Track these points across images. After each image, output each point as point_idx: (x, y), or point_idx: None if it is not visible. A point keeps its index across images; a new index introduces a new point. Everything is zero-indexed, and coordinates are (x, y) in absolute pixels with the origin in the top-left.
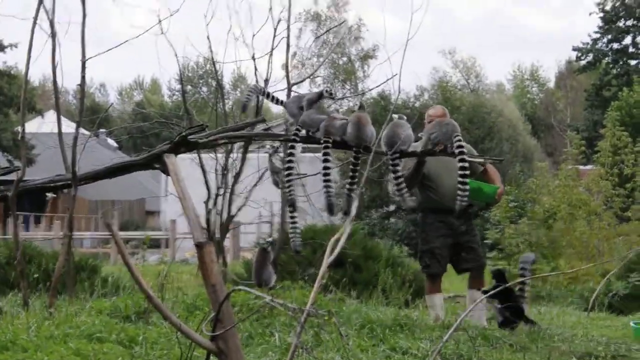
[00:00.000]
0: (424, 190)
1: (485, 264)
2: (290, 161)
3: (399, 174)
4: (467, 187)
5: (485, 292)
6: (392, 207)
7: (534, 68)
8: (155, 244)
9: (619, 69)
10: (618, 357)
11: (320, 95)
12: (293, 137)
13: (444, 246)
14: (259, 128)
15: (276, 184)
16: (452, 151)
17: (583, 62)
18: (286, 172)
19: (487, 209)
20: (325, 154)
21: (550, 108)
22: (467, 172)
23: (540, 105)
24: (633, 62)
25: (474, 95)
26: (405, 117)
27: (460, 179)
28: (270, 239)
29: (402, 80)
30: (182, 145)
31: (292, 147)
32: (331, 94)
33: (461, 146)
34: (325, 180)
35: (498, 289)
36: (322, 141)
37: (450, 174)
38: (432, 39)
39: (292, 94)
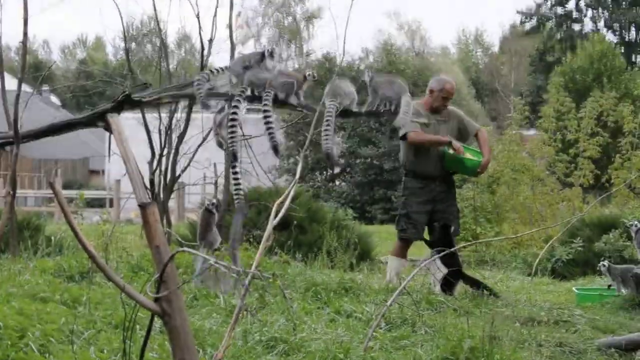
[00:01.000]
0: (412, 155)
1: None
2: (233, 120)
3: (328, 123)
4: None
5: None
6: (337, 170)
7: (479, 32)
8: (99, 204)
9: (562, 34)
10: (561, 322)
11: (262, 55)
12: (238, 96)
13: (421, 212)
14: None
15: (220, 145)
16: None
17: (527, 27)
18: (229, 132)
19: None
20: (265, 104)
21: (495, 72)
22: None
23: (485, 70)
24: (577, 27)
25: (418, 59)
26: (369, 74)
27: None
28: (214, 201)
29: (346, 42)
30: (126, 104)
31: (236, 107)
32: (272, 53)
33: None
34: (266, 123)
35: (447, 251)
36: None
37: (437, 129)
38: (377, 0)
39: (236, 53)
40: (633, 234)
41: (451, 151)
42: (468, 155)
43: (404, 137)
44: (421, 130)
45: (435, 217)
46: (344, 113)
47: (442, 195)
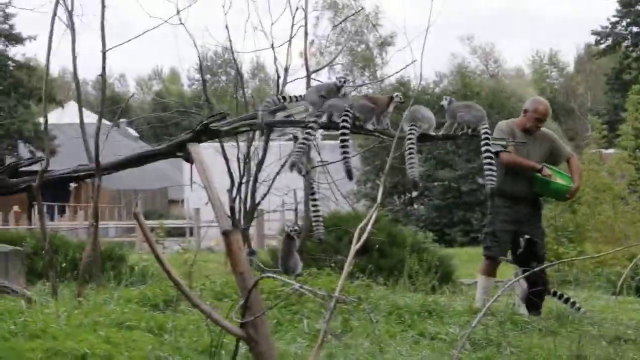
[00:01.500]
0: (502, 174)
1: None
2: (303, 144)
3: (412, 147)
4: (494, 168)
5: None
6: (415, 194)
7: (553, 52)
8: (179, 233)
9: (638, 52)
10: None
11: (336, 85)
12: (312, 122)
13: (504, 230)
14: (280, 115)
15: (299, 171)
16: (476, 135)
17: (602, 46)
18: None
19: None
20: (343, 126)
21: (570, 92)
22: (492, 155)
23: (560, 90)
24: None
25: (493, 81)
26: (447, 99)
27: (485, 160)
28: (296, 227)
29: (422, 67)
30: (204, 134)
31: (309, 134)
32: (344, 81)
33: (488, 133)
34: (342, 147)
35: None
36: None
37: (530, 152)
38: (450, 25)
39: (312, 82)
40: None
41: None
42: (558, 180)
43: (496, 154)
44: (514, 150)
45: (520, 237)
46: (422, 137)
47: (528, 217)
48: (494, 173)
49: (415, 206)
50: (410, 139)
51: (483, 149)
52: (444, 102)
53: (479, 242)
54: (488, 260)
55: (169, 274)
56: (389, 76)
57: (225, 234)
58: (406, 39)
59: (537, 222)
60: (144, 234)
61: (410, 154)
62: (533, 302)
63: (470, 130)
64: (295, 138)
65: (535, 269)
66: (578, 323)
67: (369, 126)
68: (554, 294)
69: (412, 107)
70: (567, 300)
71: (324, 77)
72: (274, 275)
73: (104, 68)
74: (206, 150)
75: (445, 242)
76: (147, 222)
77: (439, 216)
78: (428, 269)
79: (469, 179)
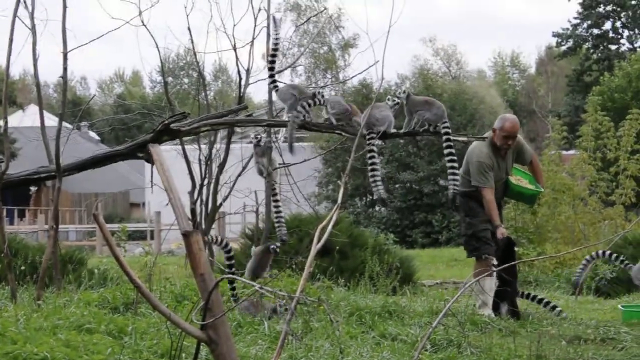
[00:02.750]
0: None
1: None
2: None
3: (373, 159)
4: (457, 171)
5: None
6: (376, 196)
7: (515, 54)
8: (140, 236)
9: (599, 54)
10: (607, 340)
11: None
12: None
13: (486, 229)
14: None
15: (261, 172)
16: (437, 133)
17: (563, 48)
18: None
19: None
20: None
21: (532, 94)
22: (455, 158)
23: (522, 91)
24: (613, 47)
25: (455, 83)
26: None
27: (448, 164)
28: (277, 244)
29: (383, 68)
30: (165, 134)
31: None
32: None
33: (448, 132)
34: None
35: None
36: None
37: (502, 179)
38: (412, 27)
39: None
40: None
41: (513, 180)
42: (528, 185)
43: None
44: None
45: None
46: (384, 135)
47: (502, 216)
48: (457, 177)
49: (377, 208)
50: (371, 151)
51: (446, 151)
52: (390, 102)
53: (440, 244)
54: (479, 262)
55: (129, 276)
56: (351, 77)
57: (186, 235)
58: (369, 40)
59: (502, 222)
60: (104, 235)
61: (372, 168)
62: (508, 304)
63: (431, 128)
64: (258, 141)
65: (502, 267)
66: (538, 323)
67: (332, 119)
68: (530, 297)
69: (368, 109)
70: (546, 304)
71: (286, 79)
72: (235, 277)
73: (65, 69)
74: (168, 153)
75: (407, 244)
76: (108, 225)
77: (400, 218)
78: (389, 270)
79: (430, 181)
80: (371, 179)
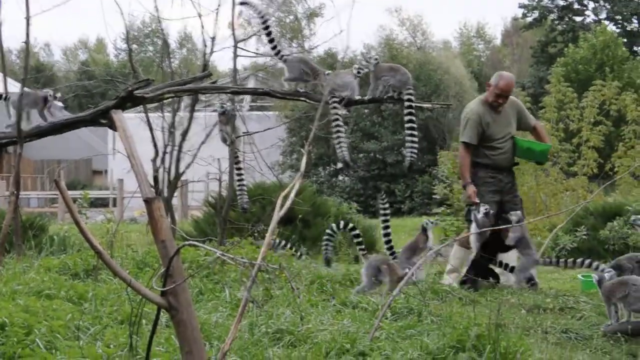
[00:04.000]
0: (480, 148)
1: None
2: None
3: (338, 122)
4: (415, 140)
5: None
6: (339, 165)
7: (480, 25)
8: (102, 204)
9: (564, 26)
10: (566, 309)
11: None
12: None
13: (492, 201)
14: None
15: (224, 140)
16: (401, 99)
17: (529, 19)
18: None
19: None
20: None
21: (497, 65)
22: (415, 125)
23: (487, 62)
24: (578, 19)
25: (420, 53)
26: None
27: (408, 131)
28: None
29: (348, 38)
30: (129, 100)
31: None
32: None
33: (411, 100)
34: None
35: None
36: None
37: (507, 135)
38: None
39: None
40: (638, 227)
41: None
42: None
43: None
44: (481, 129)
45: (504, 207)
46: (348, 102)
47: (509, 186)
48: (416, 145)
49: (341, 177)
50: (335, 114)
51: (406, 118)
52: (354, 71)
53: (403, 213)
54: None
55: (90, 242)
56: (316, 47)
57: (147, 201)
58: (334, 10)
59: (516, 190)
60: (65, 201)
61: (337, 132)
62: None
63: (396, 94)
64: (223, 110)
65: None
66: (498, 292)
67: (285, 85)
68: (502, 265)
69: (331, 74)
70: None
71: (251, 47)
72: (196, 243)
73: (27, 35)
74: (131, 121)
75: (369, 213)
76: (70, 192)
77: (363, 187)
78: (351, 239)
79: (394, 151)
80: (336, 142)
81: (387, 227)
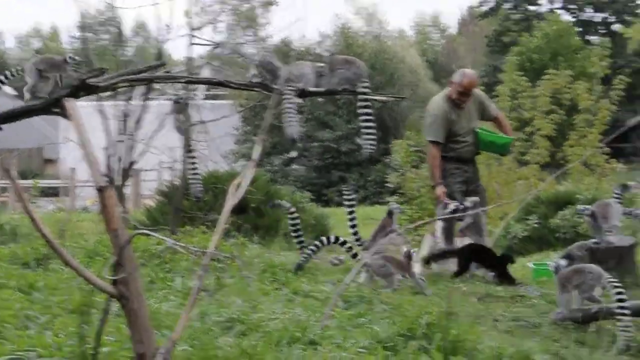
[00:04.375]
0: (446, 142)
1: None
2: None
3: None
4: (373, 132)
5: None
6: (293, 154)
7: (436, 14)
8: (54, 193)
9: (519, 15)
10: (517, 297)
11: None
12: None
13: (460, 191)
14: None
15: (178, 129)
16: (356, 91)
17: (484, 8)
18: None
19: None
20: None
21: (452, 54)
22: (371, 118)
23: (442, 52)
24: (533, 8)
25: (376, 42)
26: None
27: (363, 124)
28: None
29: (304, 26)
30: (82, 89)
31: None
32: None
33: (366, 92)
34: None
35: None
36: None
37: (461, 116)
38: None
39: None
40: (586, 218)
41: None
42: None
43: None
44: (446, 124)
45: (468, 196)
46: (303, 93)
47: (473, 177)
48: (373, 137)
49: (294, 166)
50: (288, 99)
51: (361, 111)
52: (325, 58)
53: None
54: (444, 223)
55: (41, 230)
56: (272, 35)
57: (100, 189)
58: None
59: (478, 180)
60: (16, 189)
61: (288, 111)
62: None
63: (351, 87)
64: (178, 99)
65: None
66: (450, 280)
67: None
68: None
69: (289, 66)
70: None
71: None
72: (148, 232)
73: None
74: (84, 110)
75: (322, 202)
76: (21, 181)
77: (317, 176)
78: (304, 228)
79: (348, 140)
80: (284, 118)
81: (353, 218)
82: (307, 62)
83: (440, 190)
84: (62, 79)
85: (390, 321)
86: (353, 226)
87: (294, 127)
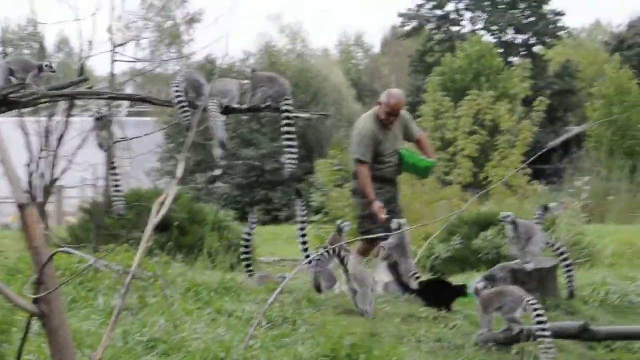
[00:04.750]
0: (372, 162)
1: None
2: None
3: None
4: (295, 150)
5: None
6: (217, 172)
7: (359, 34)
8: None
9: (442, 35)
10: (440, 318)
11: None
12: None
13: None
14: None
15: (101, 146)
16: (279, 109)
17: (408, 28)
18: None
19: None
20: None
21: (375, 73)
22: (294, 137)
23: (366, 71)
24: (455, 29)
25: (300, 60)
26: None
27: (286, 143)
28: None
29: (228, 44)
30: (3, 105)
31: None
32: None
33: (289, 110)
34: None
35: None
36: None
37: (388, 137)
38: (260, 4)
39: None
40: (507, 226)
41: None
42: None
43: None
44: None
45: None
46: (226, 110)
47: (394, 197)
48: (295, 157)
49: (218, 184)
50: (212, 110)
51: (284, 129)
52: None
53: (281, 221)
54: (366, 243)
55: None
56: (196, 53)
57: (21, 207)
58: (214, 16)
59: (398, 200)
60: None
61: (214, 118)
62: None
63: (274, 104)
64: (101, 115)
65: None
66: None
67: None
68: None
69: (213, 82)
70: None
71: (130, 52)
72: (70, 250)
73: None
74: (5, 125)
75: (247, 221)
76: None
77: (241, 195)
78: (228, 247)
79: (272, 158)
80: (212, 123)
81: (304, 235)
82: (232, 79)
83: (378, 205)
84: (34, 82)
85: (314, 342)
86: (304, 243)
87: (222, 132)
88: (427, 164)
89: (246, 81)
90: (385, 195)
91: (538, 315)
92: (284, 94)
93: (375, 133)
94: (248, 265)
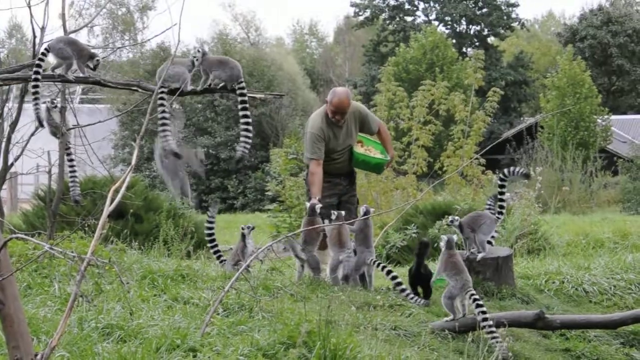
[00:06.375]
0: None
1: None
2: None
3: (164, 115)
4: (249, 134)
5: None
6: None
7: (313, 23)
8: None
9: (395, 25)
10: (396, 306)
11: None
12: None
13: (329, 205)
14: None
15: (54, 134)
16: (234, 89)
17: (361, 18)
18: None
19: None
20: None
21: (329, 63)
22: (249, 120)
23: (319, 60)
24: (409, 19)
25: (254, 49)
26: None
27: (243, 126)
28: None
29: (181, 31)
30: None
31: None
32: None
33: (243, 94)
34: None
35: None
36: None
37: (347, 147)
38: None
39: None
40: (455, 228)
41: (360, 150)
42: (377, 154)
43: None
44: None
45: (340, 207)
46: (180, 93)
47: (346, 189)
48: (249, 140)
49: None
50: (162, 105)
51: (241, 113)
52: (197, 56)
53: (236, 209)
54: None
55: None
56: (149, 40)
57: None
58: (166, 3)
59: (353, 191)
60: None
61: (163, 124)
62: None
63: (229, 86)
64: (53, 103)
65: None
66: (329, 289)
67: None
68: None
69: (162, 66)
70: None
71: (82, 39)
72: (24, 237)
73: None
74: None
75: (202, 209)
76: None
77: (196, 183)
78: (184, 234)
79: (227, 146)
80: (160, 131)
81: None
82: (184, 60)
83: (311, 202)
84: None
85: (270, 329)
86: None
87: (171, 141)
88: (378, 161)
89: (190, 57)
90: (336, 187)
91: (478, 306)
92: (238, 76)
93: (325, 131)
94: (217, 252)
